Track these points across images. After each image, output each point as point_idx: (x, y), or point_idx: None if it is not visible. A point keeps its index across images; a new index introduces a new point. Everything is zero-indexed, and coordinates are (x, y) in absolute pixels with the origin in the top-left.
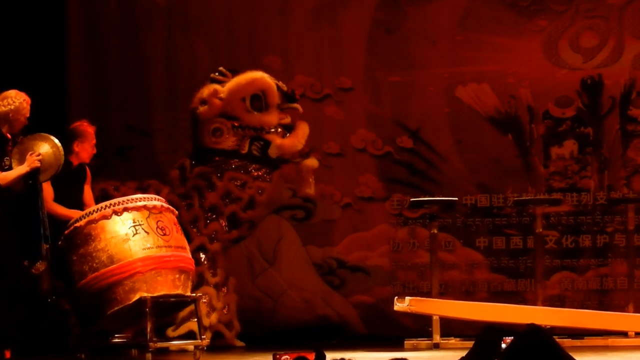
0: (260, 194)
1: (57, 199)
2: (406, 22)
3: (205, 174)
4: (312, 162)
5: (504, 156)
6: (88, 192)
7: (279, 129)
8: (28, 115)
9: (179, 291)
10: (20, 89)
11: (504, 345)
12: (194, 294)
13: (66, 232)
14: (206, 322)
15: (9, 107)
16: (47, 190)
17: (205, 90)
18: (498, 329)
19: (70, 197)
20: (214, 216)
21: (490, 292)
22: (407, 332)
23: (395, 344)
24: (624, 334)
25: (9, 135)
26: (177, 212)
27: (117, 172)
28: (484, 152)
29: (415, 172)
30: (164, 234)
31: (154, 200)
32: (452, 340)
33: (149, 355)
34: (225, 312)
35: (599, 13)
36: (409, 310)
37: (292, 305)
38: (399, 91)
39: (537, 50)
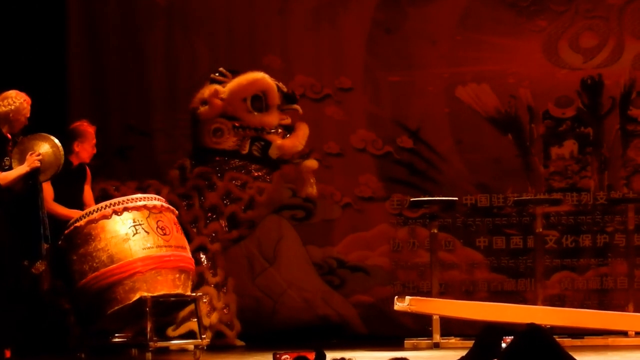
0: (260, 195)
1: (57, 199)
2: (406, 22)
3: (205, 174)
4: (312, 163)
5: (504, 156)
6: (88, 192)
7: (280, 130)
8: (28, 115)
9: (179, 291)
10: (21, 89)
11: (504, 345)
12: (194, 294)
13: (66, 231)
14: (206, 321)
15: (9, 107)
16: (47, 190)
17: (206, 91)
18: (498, 329)
19: (70, 197)
20: (214, 216)
21: (490, 292)
22: (407, 332)
23: (395, 344)
24: (624, 334)
25: (9, 135)
26: (177, 212)
27: (117, 172)
28: (484, 152)
29: (415, 172)
30: (164, 234)
31: (154, 200)
32: (452, 340)
33: (149, 355)
34: (226, 312)
35: (599, 13)
36: (409, 310)
37: (292, 305)
38: (399, 91)
39: (537, 50)
